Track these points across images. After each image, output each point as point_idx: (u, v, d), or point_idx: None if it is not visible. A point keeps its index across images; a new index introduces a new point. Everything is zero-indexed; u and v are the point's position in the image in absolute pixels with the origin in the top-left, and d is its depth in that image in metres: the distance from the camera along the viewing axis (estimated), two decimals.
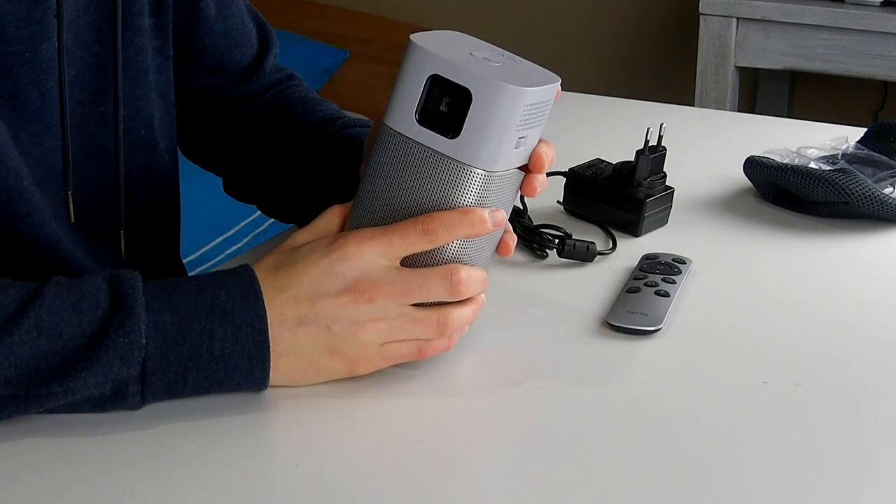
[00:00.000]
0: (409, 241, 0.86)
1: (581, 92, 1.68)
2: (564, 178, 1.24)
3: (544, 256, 1.13)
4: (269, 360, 0.85)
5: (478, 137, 0.86)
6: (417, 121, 0.87)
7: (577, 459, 0.83)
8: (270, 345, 0.85)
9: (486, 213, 0.87)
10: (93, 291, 0.83)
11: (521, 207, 1.19)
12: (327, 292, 0.85)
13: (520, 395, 0.92)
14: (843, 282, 1.11)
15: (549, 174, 1.24)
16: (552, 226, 1.16)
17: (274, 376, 0.86)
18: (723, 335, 1.01)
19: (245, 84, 1.21)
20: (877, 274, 1.12)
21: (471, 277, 0.87)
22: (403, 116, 0.87)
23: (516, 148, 0.88)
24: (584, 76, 3.07)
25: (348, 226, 0.90)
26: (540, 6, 3.13)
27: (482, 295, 0.91)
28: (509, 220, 0.92)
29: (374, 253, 0.85)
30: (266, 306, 0.84)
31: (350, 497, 0.79)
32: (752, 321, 1.03)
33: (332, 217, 0.90)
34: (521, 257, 1.12)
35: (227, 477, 0.80)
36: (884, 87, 2.83)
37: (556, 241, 1.12)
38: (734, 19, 2.53)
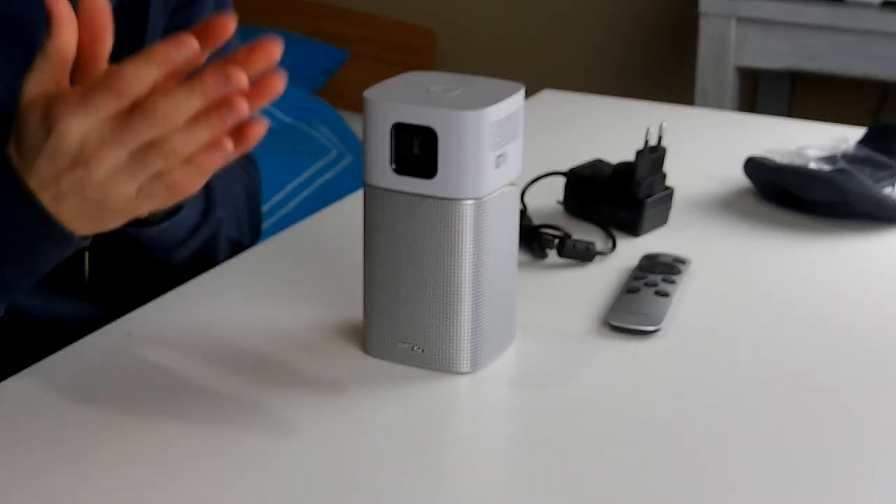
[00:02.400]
0: (105, 102, 0.84)
1: (581, 92, 1.68)
2: (564, 178, 1.24)
3: (544, 256, 1.13)
4: (48, 215, 0.88)
5: (455, 170, 0.87)
6: (394, 171, 0.88)
7: (576, 459, 0.83)
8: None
9: (168, 48, 0.82)
10: None
11: (522, 207, 1.19)
12: (63, 169, 0.86)
13: (520, 395, 0.92)
14: (842, 282, 1.11)
15: (548, 174, 1.25)
16: (552, 226, 1.16)
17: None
18: (723, 335, 1.01)
19: None
20: (877, 274, 1.12)
21: (168, 104, 0.83)
22: (380, 171, 0.89)
23: (498, 168, 0.88)
24: (583, 76, 3.07)
25: (364, 290, 0.92)
26: (539, 6, 3.13)
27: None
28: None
29: (82, 122, 0.85)
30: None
31: (350, 497, 0.79)
32: (752, 321, 1.03)
33: (42, 61, 0.88)
34: (522, 257, 1.12)
35: (226, 477, 0.80)
36: (884, 87, 2.82)
37: (556, 241, 1.12)
38: (734, 19, 2.53)
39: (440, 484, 0.81)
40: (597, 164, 1.24)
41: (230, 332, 0.99)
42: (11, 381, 0.90)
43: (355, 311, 0.97)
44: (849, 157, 1.28)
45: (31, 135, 0.87)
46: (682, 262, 1.09)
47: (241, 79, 0.82)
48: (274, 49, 0.85)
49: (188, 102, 0.83)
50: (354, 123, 2.93)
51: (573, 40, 3.12)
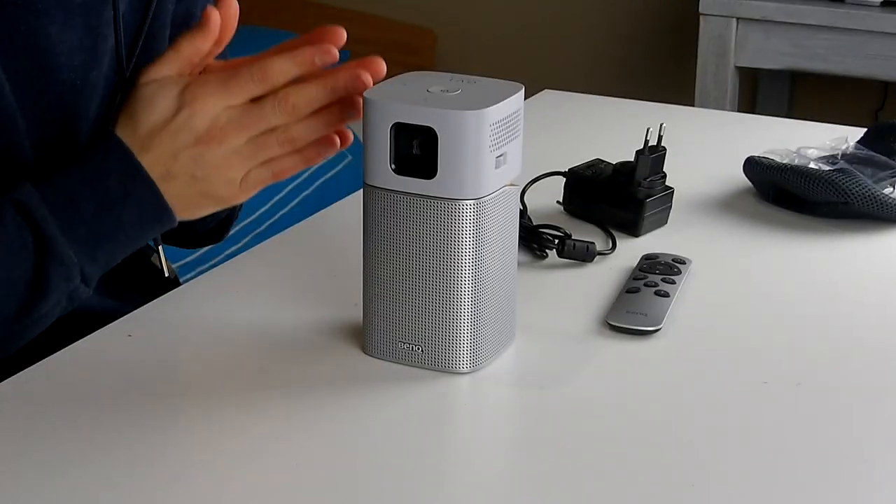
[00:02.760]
0: (247, 87, 0.92)
1: (581, 92, 1.67)
2: (564, 178, 1.24)
3: (544, 256, 1.13)
4: (163, 198, 0.94)
5: (455, 170, 0.87)
6: (394, 171, 0.89)
7: (576, 459, 0.83)
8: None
9: (313, 52, 0.93)
10: (15, 234, 0.90)
11: (522, 208, 1.19)
12: (184, 145, 0.93)
13: (520, 395, 0.92)
14: (843, 282, 1.11)
15: (548, 174, 1.25)
16: (552, 226, 1.16)
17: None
18: (723, 335, 1.01)
19: None
20: (877, 274, 1.12)
21: (300, 94, 0.92)
22: (380, 171, 0.89)
23: (498, 168, 0.88)
24: (583, 76, 3.07)
25: (364, 290, 0.92)
26: (539, 6, 3.13)
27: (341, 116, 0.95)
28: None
29: (217, 104, 0.93)
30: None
31: (350, 497, 0.79)
32: (752, 321, 1.03)
33: (174, 56, 0.95)
34: (522, 257, 1.12)
35: (226, 476, 0.80)
36: (884, 87, 2.82)
37: (556, 241, 1.12)
38: (734, 19, 2.53)
39: (440, 484, 0.81)
40: (597, 164, 1.24)
41: (230, 332, 0.99)
42: (11, 381, 0.90)
43: (355, 311, 0.97)
44: (849, 157, 1.28)
45: (157, 112, 0.93)
46: (682, 262, 1.09)
47: (370, 82, 0.91)
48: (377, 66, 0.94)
49: (318, 96, 0.92)
50: (355, 123, 2.93)
51: (573, 40, 3.12)
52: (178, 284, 1.12)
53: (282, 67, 0.92)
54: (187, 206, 0.96)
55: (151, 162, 0.93)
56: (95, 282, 0.95)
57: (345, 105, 0.94)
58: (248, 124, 0.93)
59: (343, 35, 0.97)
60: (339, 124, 0.95)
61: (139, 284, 1.12)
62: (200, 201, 0.96)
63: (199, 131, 0.92)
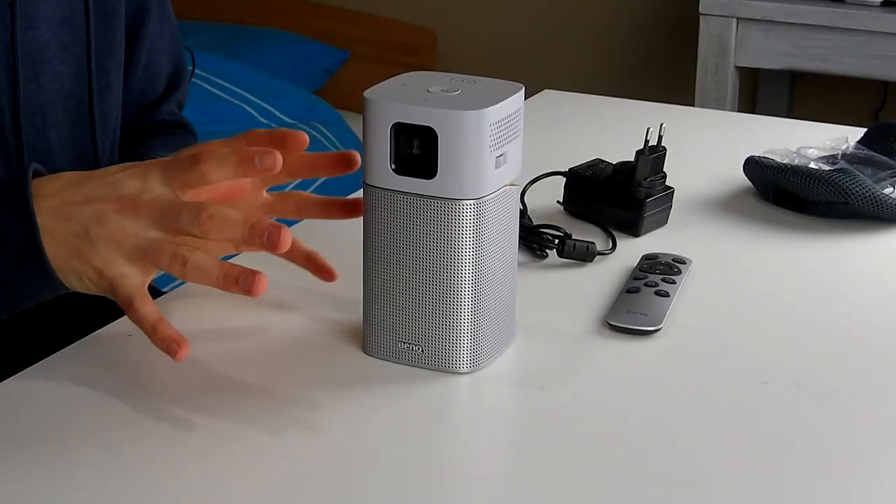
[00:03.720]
0: (182, 170, 0.88)
1: (581, 92, 1.67)
2: (564, 178, 1.24)
3: (544, 256, 1.13)
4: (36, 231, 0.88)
5: (455, 170, 0.87)
6: (394, 171, 0.89)
7: (576, 459, 0.83)
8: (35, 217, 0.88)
9: (254, 154, 0.87)
10: None
11: (522, 208, 1.19)
12: (102, 197, 0.89)
13: (520, 395, 0.92)
14: (843, 282, 1.11)
15: (548, 174, 1.25)
16: (552, 226, 1.16)
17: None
18: (723, 335, 1.01)
19: (137, 119, 1.23)
20: (877, 274, 1.12)
21: (222, 217, 0.86)
22: (380, 171, 0.89)
23: (498, 168, 0.88)
24: (584, 76, 3.07)
25: (363, 290, 0.92)
26: (539, 6, 3.13)
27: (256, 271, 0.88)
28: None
29: (156, 178, 0.88)
30: (42, 189, 0.89)
31: (350, 497, 0.79)
32: (752, 321, 1.03)
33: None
34: (522, 257, 1.12)
35: (226, 476, 0.80)
36: (884, 87, 2.83)
37: (556, 241, 1.12)
38: (734, 19, 2.53)
39: (440, 484, 0.81)
40: (597, 164, 1.24)
41: (230, 332, 0.99)
42: (11, 381, 0.90)
43: (355, 311, 0.97)
44: (849, 157, 1.28)
45: (119, 166, 0.91)
46: (682, 262, 1.09)
47: (271, 162, 0.87)
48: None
49: (234, 220, 0.86)
50: (354, 123, 2.93)
51: (573, 40, 3.12)
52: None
53: (220, 156, 0.87)
54: (55, 252, 0.89)
55: (63, 187, 0.89)
56: None
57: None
58: (164, 213, 0.87)
59: (305, 140, 0.95)
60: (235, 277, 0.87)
61: None
62: (69, 261, 0.89)
63: (123, 192, 0.88)
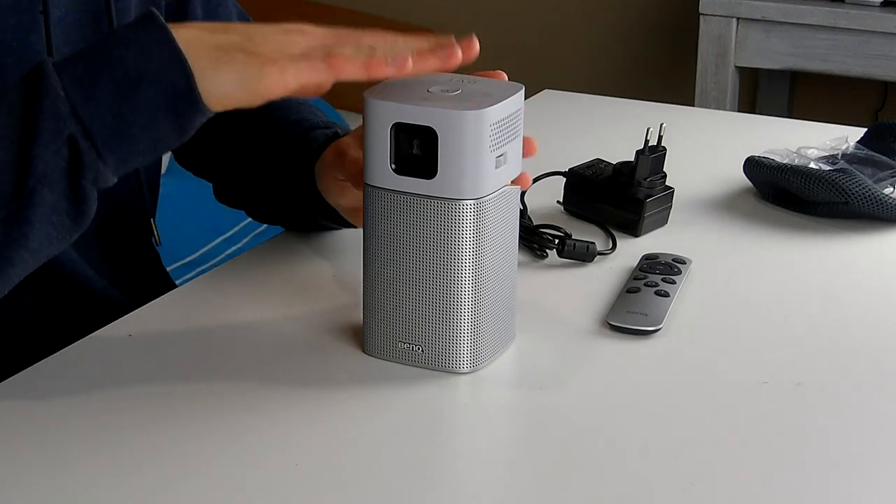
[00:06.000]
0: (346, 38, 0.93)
1: (581, 92, 1.68)
2: (564, 178, 1.24)
3: (544, 256, 1.13)
4: (185, 59, 0.85)
5: (455, 170, 0.87)
6: (394, 171, 0.89)
7: (576, 459, 0.83)
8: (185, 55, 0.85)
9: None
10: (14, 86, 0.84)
11: (522, 208, 1.19)
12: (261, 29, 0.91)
13: (520, 395, 0.92)
14: (843, 282, 1.11)
15: (548, 174, 1.25)
16: (552, 226, 1.16)
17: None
18: (723, 335, 1.01)
19: None
20: (877, 274, 1.12)
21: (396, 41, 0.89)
22: (380, 171, 0.89)
23: (498, 168, 0.88)
24: (584, 76, 3.07)
25: (363, 290, 0.92)
26: (540, 6, 3.13)
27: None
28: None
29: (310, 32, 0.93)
30: (184, 31, 0.86)
31: (350, 497, 0.79)
32: (752, 321, 1.03)
33: None
34: (522, 257, 1.12)
35: (226, 476, 0.80)
36: (884, 87, 2.83)
37: (556, 241, 1.12)
38: (734, 19, 2.53)
39: (440, 484, 0.81)
40: (597, 164, 1.24)
41: (230, 333, 0.99)
42: (11, 382, 0.90)
43: (355, 311, 0.97)
44: (849, 157, 1.28)
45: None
46: (682, 262, 1.09)
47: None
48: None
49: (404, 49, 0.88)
50: (354, 123, 2.93)
51: (573, 40, 3.12)
52: (170, 279, 1.11)
53: (384, 42, 0.90)
54: (211, 52, 0.86)
55: (203, 26, 0.88)
56: (101, 140, 0.84)
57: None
58: (325, 36, 0.93)
59: (476, 48, 0.93)
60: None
61: (134, 263, 1.11)
62: (234, 54, 0.87)
63: (286, 26, 0.92)
